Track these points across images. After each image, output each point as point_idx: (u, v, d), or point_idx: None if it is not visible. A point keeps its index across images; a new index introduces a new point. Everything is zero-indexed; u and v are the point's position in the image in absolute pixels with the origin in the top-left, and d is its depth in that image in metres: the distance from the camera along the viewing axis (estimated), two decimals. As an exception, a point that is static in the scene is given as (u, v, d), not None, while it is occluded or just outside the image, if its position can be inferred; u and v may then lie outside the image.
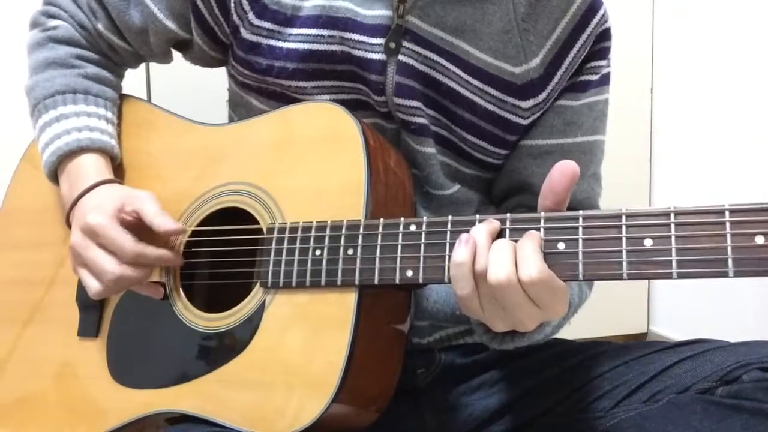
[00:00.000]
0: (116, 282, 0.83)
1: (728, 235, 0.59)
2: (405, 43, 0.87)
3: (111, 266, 0.83)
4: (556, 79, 0.90)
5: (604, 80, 0.95)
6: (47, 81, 0.96)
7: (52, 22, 1.00)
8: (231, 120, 1.03)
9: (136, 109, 1.01)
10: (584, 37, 0.90)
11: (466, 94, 0.89)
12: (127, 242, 0.83)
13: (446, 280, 0.71)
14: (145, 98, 1.34)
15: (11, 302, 0.98)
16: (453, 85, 0.88)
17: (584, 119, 0.93)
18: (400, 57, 0.87)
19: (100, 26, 0.99)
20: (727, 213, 0.60)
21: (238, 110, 0.99)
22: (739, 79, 1.52)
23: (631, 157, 1.70)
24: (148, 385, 0.85)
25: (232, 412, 0.79)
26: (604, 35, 0.92)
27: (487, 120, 0.90)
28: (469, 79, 0.88)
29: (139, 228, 0.85)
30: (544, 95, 0.90)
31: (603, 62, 0.93)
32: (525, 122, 0.91)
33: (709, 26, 1.57)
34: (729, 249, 0.59)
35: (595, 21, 0.90)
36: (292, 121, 0.86)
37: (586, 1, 0.90)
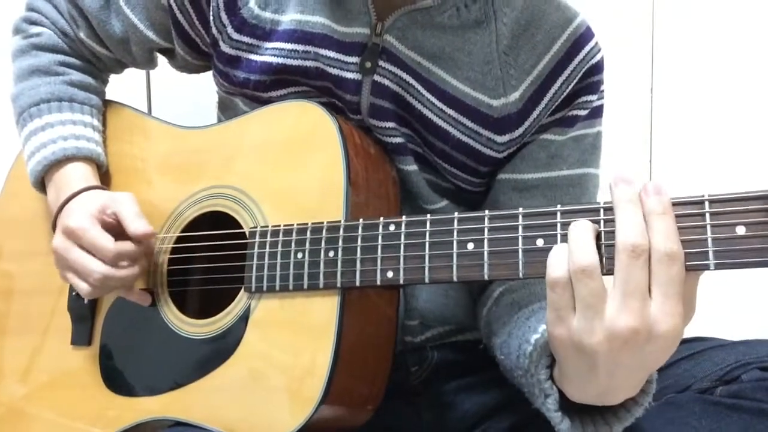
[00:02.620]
0: (103, 282, 0.83)
1: (708, 226, 0.57)
2: (381, 63, 0.85)
3: (95, 266, 0.83)
4: (534, 114, 0.87)
5: (596, 113, 0.91)
6: (32, 89, 0.96)
7: (35, 29, 1.00)
8: (219, 120, 1.02)
9: (120, 114, 1.00)
10: (566, 73, 0.86)
11: (440, 122, 0.86)
12: (107, 242, 0.83)
13: (426, 280, 0.69)
14: (146, 101, 1.35)
15: (4, 313, 0.98)
16: (426, 112, 0.86)
17: (569, 152, 0.89)
18: (375, 77, 0.85)
19: (81, 34, 0.99)
20: (706, 203, 0.58)
21: (227, 113, 0.98)
22: (739, 79, 1.52)
23: (631, 157, 1.69)
24: (141, 393, 0.85)
25: (221, 419, 0.78)
26: (594, 69, 0.87)
27: (459, 151, 0.88)
28: (444, 107, 0.86)
29: (120, 230, 0.85)
30: (520, 130, 0.87)
31: (593, 97, 0.88)
32: (499, 155, 0.88)
33: (709, 26, 1.56)
34: (709, 240, 0.57)
35: (579, 57, 0.86)
36: (270, 122, 0.85)
37: (571, 37, 0.86)
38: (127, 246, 0.84)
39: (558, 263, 0.60)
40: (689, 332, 0.86)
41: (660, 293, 0.57)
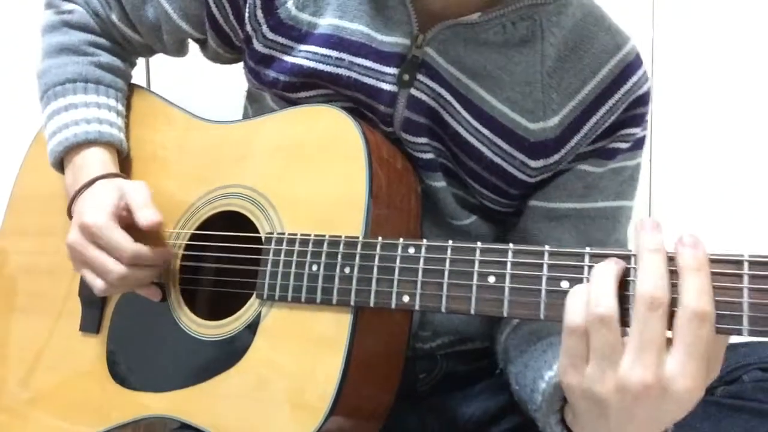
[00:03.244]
0: (121, 281, 0.82)
1: (745, 289, 0.54)
2: (419, 76, 0.82)
3: (114, 266, 0.82)
4: (572, 143, 0.83)
5: (638, 145, 0.87)
6: (59, 67, 0.94)
7: (67, 6, 0.98)
8: (246, 111, 1.00)
9: (145, 100, 0.98)
10: (611, 102, 0.82)
11: (474, 142, 0.83)
12: (125, 243, 0.82)
13: (443, 309, 0.67)
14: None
15: (18, 290, 0.98)
16: (460, 130, 0.83)
17: (607, 184, 0.86)
18: (412, 90, 0.82)
19: (113, 17, 0.96)
20: (745, 264, 0.54)
21: (254, 105, 0.96)
22: (740, 79, 1.49)
23: None
24: (145, 388, 0.84)
25: (225, 425, 0.77)
26: (639, 101, 0.83)
27: (491, 172, 0.85)
28: (479, 127, 0.82)
29: (132, 222, 0.84)
30: (556, 157, 0.83)
31: (636, 129, 0.84)
32: (531, 180, 0.85)
33: (709, 26, 1.53)
34: (745, 305, 0.54)
35: (627, 86, 0.82)
36: (296, 124, 0.83)
37: (620, 65, 0.82)
38: (144, 247, 0.82)
39: (576, 310, 0.58)
40: None
41: (682, 352, 0.54)
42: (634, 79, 0.83)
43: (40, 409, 0.92)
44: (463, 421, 0.89)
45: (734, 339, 0.78)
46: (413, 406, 0.90)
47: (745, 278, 0.54)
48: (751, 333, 0.53)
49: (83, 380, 0.89)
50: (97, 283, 0.83)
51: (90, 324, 0.90)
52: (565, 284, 0.61)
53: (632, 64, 0.83)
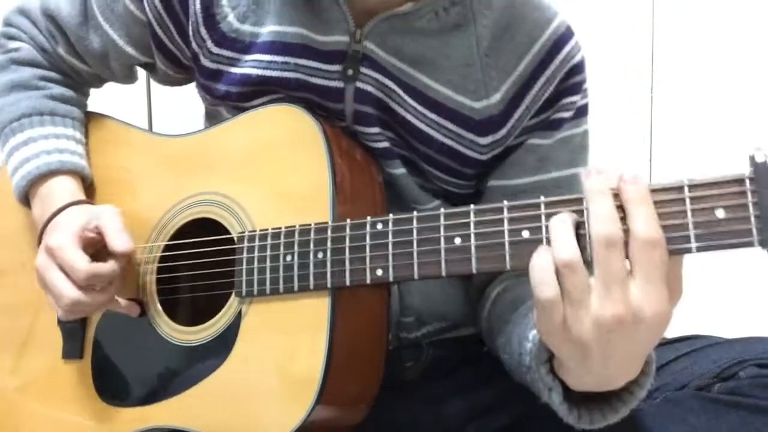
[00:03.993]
0: (72, 306, 0.83)
1: (688, 211, 0.58)
2: (363, 69, 0.85)
3: (67, 290, 0.82)
4: (516, 115, 0.87)
5: (581, 112, 0.91)
6: (12, 104, 0.96)
7: (13, 44, 1.00)
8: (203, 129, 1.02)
9: (103, 125, 1.00)
10: (547, 73, 0.86)
11: (422, 127, 0.87)
12: (80, 262, 0.81)
13: (416, 276, 0.70)
14: (146, 105, 1.35)
15: (-5, 329, 0.98)
16: (409, 117, 0.87)
17: (558, 154, 0.90)
18: (358, 84, 0.86)
19: (60, 50, 0.98)
20: (686, 188, 0.59)
21: (212, 122, 0.98)
22: (740, 79, 1.53)
23: (631, 157, 1.69)
24: (136, 403, 0.85)
25: (218, 424, 0.79)
26: (574, 70, 0.88)
27: (443, 154, 0.88)
28: (426, 112, 0.86)
29: (104, 244, 0.85)
30: (503, 131, 0.88)
31: (576, 97, 0.89)
32: (483, 158, 0.89)
33: (709, 26, 1.57)
34: (690, 224, 0.58)
35: (560, 57, 0.87)
36: (254, 126, 0.86)
37: (551, 37, 0.87)
38: (101, 267, 0.82)
39: (542, 258, 0.61)
40: (687, 330, 0.88)
41: (642, 279, 0.58)
42: (567, 49, 0.87)
43: (31, 442, 0.92)
44: (453, 412, 0.91)
45: (731, 335, 0.82)
46: (403, 396, 0.92)
47: (687, 201, 0.59)
48: (699, 249, 0.58)
49: (73, 406, 0.90)
50: (57, 308, 0.84)
51: (72, 351, 0.91)
52: (525, 233, 0.65)
53: (563, 36, 0.87)
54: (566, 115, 0.89)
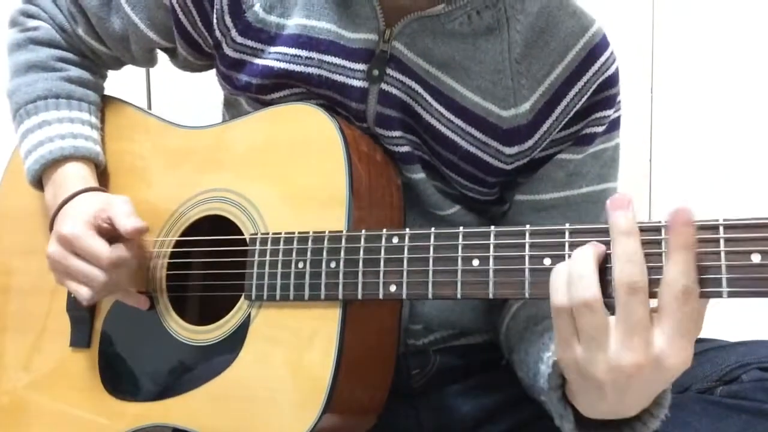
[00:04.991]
0: (105, 286, 0.82)
1: (722, 253, 0.55)
2: (389, 71, 0.82)
3: (96, 272, 0.82)
4: (545, 127, 0.84)
5: (613, 126, 0.88)
6: (28, 85, 0.94)
7: (32, 23, 0.98)
8: (223, 118, 1.00)
9: (120, 111, 0.98)
10: (580, 84, 0.83)
11: (448, 133, 0.84)
12: (102, 249, 0.82)
13: (430, 296, 0.68)
14: (145, 97, 1.34)
15: (4, 311, 0.97)
16: (433, 122, 0.84)
17: (589, 169, 0.87)
18: (383, 85, 0.83)
19: (80, 30, 0.96)
20: (721, 229, 0.56)
21: (231, 111, 0.97)
22: (739, 79, 1.52)
23: (631, 157, 1.67)
24: (140, 398, 0.84)
25: (221, 428, 0.78)
26: (608, 83, 0.84)
27: (467, 161, 0.86)
28: (452, 117, 0.83)
29: (116, 234, 0.83)
30: (530, 143, 0.85)
31: (609, 111, 0.85)
32: (507, 167, 0.86)
33: (709, 26, 1.56)
34: (723, 268, 0.55)
35: (594, 68, 0.83)
36: (273, 124, 0.83)
37: (586, 47, 0.83)
38: (121, 250, 0.82)
39: (560, 289, 0.59)
40: None
41: (671, 329, 0.55)
42: (602, 60, 0.84)
43: (36, 428, 0.91)
44: (459, 419, 0.90)
45: (734, 339, 0.80)
46: (409, 403, 0.91)
47: (722, 242, 0.55)
48: (731, 294, 0.55)
49: (77, 395, 0.89)
50: (82, 292, 0.83)
51: (80, 339, 0.90)
52: (547, 261, 0.62)
53: (599, 46, 0.84)
54: (598, 129, 0.86)
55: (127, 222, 0.82)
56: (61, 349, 0.91)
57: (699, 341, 0.79)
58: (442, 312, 0.90)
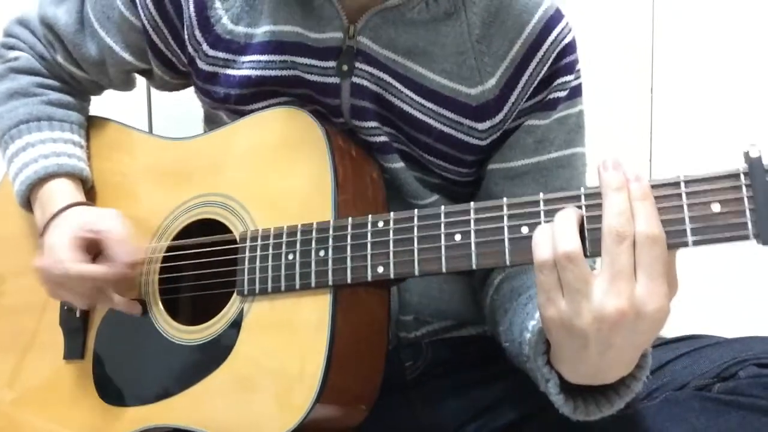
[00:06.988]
0: (98, 289, 0.86)
1: (685, 206, 0.60)
2: (357, 65, 0.87)
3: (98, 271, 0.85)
4: (512, 99, 0.89)
5: (575, 93, 0.93)
6: (10, 112, 0.97)
7: (12, 53, 1.01)
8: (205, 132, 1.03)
9: (104, 129, 1.01)
10: (539, 55, 0.88)
11: (421, 117, 0.88)
12: (97, 271, 0.85)
13: (416, 273, 0.71)
14: (146, 108, 1.35)
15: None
16: (406, 108, 0.88)
17: (556, 134, 0.91)
18: (354, 79, 0.87)
19: (59, 58, 1.00)
20: (682, 184, 0.60)
21: (212, 126, 1.00)
22: (740, 79, 1.53)
23: (631, 156, 1.69)
24: (137, 402, 0.86)
25: (220, 422, 0.79)
26: (565, 51, 0.89)
27: (443, 142, 0.90)
28: (423, 101, 0.88)
29: (102, 246, 0.86)
30: (500, 116, 0.89)
31: (569, 77, 0.90)
32: (482, 143, 0.90)
33: (709, 26, 1.57)
34: (687, 219, 0.59)
35: (550, 39, 0.88)
36: (257, 129, 0.87)
37: (541, 20, 0.88)
38: (90, 270, 0.85)
39: (543, 245, 0.62)
40: (687, 330, 0.88)
41: (644, 275, 0.59)
42: (558, 29, 0.89)
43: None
44: (453, 413, 0.91)
45: (730, 335, 0.83)
46: (403, 396, 0.92)
47: (684, 196, 0.60)
48: (695, 243, 0.59)
49: (74, 407, 0.90)
50: (77, 299, 0.86)
51: (74, 351, 0.92)
52: (525, 230, 0.66)
53: (553, 18, 0.89)
54: (561, 94, 0.90)
55: (124, 255, 0.85)
56: (54, 363, 0.93)
57: (696, 338, 0.84)
58: (431, 300, 0.93)
